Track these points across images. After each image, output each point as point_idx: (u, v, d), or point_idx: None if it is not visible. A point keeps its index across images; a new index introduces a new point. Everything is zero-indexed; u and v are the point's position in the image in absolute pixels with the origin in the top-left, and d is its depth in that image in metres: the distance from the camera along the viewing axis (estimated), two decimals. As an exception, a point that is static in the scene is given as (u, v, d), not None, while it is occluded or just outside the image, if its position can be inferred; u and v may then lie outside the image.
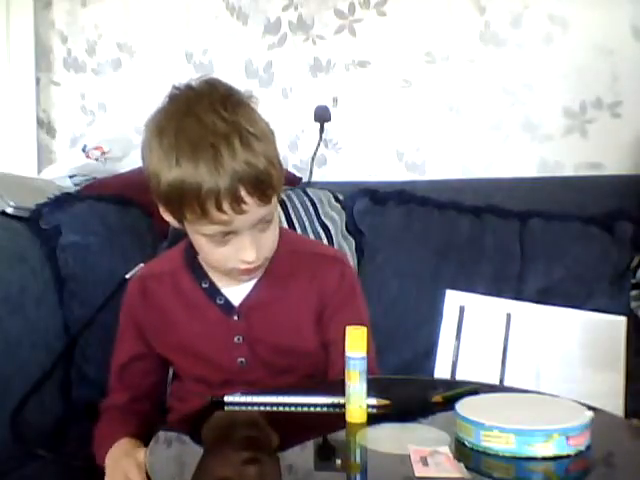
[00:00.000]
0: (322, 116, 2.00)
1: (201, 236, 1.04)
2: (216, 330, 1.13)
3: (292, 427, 0.94)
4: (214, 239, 1.03)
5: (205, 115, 0.99)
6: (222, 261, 1.06)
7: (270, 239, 1.07)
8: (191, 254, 1.16)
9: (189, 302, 1.15)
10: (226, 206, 0.97)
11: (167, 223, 1.53)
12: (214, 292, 1.14)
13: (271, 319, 1.13)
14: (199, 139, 0.98)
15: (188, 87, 1.04)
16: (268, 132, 1.04)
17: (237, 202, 0.97)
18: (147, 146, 1.04)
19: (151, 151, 1.03)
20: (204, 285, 1.14)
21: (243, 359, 1.13)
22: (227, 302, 1.13)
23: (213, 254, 1.06)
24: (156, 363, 1.20)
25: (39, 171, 2.16)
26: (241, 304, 1.13)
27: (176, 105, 1.03)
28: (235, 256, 1.04)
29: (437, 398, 0.96)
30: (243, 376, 1.13)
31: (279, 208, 1.60)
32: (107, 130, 2.17)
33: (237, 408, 0.97)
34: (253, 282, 1.14)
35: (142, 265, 1.25)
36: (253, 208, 0.99)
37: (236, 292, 1.14)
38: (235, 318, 1.13)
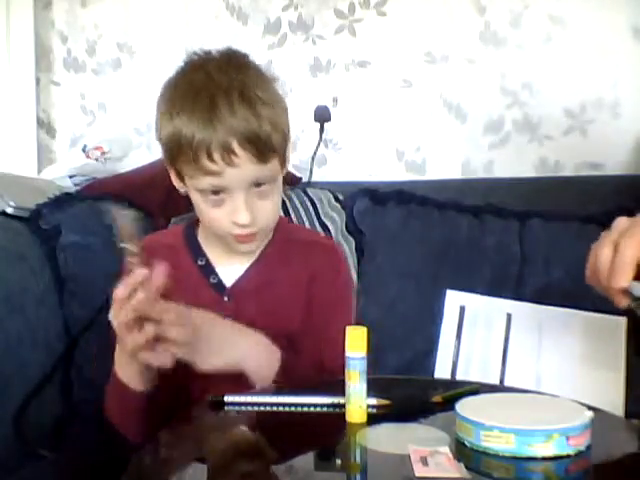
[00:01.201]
0: (322, 116, 2.00)
1: (197, 193, 1.05)
2: (207, 309, 1.12)
3: (292, 427, 0.94)
4: (209, 198, 1.04)
5: (214, 72, 1.04)
6: (217, 223, 1.07)
7: (268, 209, 1.08)
8: (191, 231, 1.18)
9: (183, 279, 1.13)
10: (217, 156, 1.00)
11: (167, 223, 1.54)
12: (209, 270, 1.14)
13: (260, 303, 1.13)
14: (201, 91, 1.02)
15: (207, 51, 1.09)
16: (279, 102, 1.07)
17: (228, 153, 1.00)
18: (158, 99, 1.08)
19: (159, 102, 1.07)
20: (200, 262, 1.15)
21: None
22: (220, 282, 1.14)
23: (209, 215, 1.07)
24: None
25: (39, 171, 2.16)
26: (232, 286, 1.14)
27: (191, 64, 1.08)
28: (229, 218, 1.05)
29: (437, 398, 0.96)
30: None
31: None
32: (107, 130, 2.17)
33: (237, 408, 0.97)
34: (247, 265, 1.15)
35: None
36: (246, 164, 1.01)
37: (230, 273, 1.14)
38: (225, 299, 1.13)
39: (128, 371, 1.03)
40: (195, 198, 1.07)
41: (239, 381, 1.05)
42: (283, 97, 1.10)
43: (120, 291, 0.92)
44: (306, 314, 1.16)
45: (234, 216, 1.05)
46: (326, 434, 0.92)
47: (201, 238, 1.18)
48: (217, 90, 1.01)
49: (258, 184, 1.05)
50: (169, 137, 1.04)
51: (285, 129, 1.06)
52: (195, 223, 1.20)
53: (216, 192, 1.04)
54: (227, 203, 1.05)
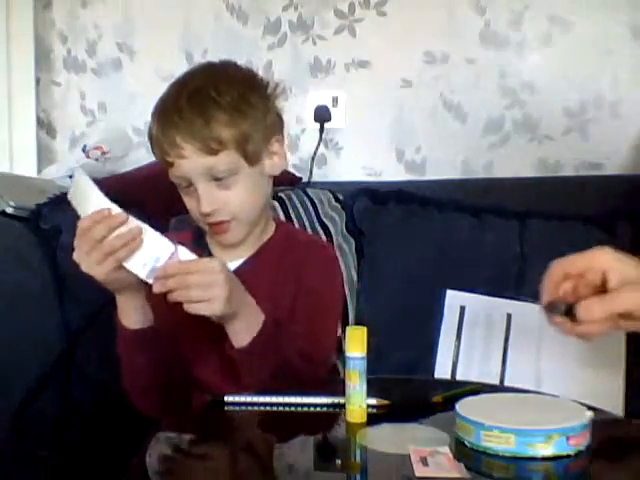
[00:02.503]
0: (322, 116, 2.00)
1: (177, 185, 1.16)
2: None
3: (292, 427, 0.94)
4: (183, 189, 1.15)
5: (190, 78, 1.17)
6: (192, 214, 1.17)
7: (232, 199, 1.14)
8: (199, 229, 1.23)
9: None
10: (167, 147, 1.11)
11: (167, 223, 1.54)
12: None
13: (253, 292, 1.13)
14: (170, 92, 1.16)
15: (206, 62, 1.23)
16: (246, 107, 1.14)
17: (174, 147, 1.11)
18: None
19: None
20: (204, 256, 1.17)
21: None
22: None
23: (187, 205, 1.17)
24: None
25: (39, 171, 2.15)
26: None
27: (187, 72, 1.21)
28: (197, 209, 1.14)
29: (437, 398, 0.96)
30: (219, 348, 1.13)
31: (278, 207, 1.60)
32: (107, 130, 2.17)
33: (237, 408, 0.97)
34: (243, 259, 1.20)
35: None
36: (192, 155, 1.10)
37: (230, 265, 1.16)
38: None
39: (121, 309, 1.09)
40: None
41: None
42: (263, 102, 1.16)
43: (85, 222, 1.01)
44: (294, 306, 1.18)
45: (199, 206, 1.13)
46: (326, 434, 0.92)
47: (210, 239, 1.24)
48: (178, 91, 1.14)
49: (217, 177, 1.12)
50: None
51: (248, 130, 1.12)
52: None
53: (184, 184, 1.14)
54: (194, 194, 1.14)
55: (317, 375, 1.13)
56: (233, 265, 1.19)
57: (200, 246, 1.22)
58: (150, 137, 1.16)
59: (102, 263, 1.00)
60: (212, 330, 1.10)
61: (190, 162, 1.11)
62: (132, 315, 1.09)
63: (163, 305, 1.12)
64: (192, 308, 1.01)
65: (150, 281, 1.01)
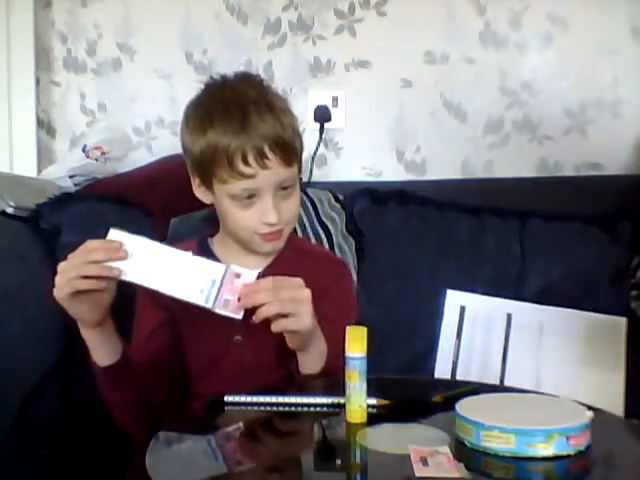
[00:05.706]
0: (322, 116, 2.00)
1: (228, 199, 1.13)
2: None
3: (292, 427, 0.94)
4: (240, 201, 1.13)
5: (239, 86, 1.16)
6: (245, 225, 1.15)
7: (291, 207, 1.17)
8: (205, 243, 1.24)
9: None
10: (251, 160, 1.09)
11: (167, 223, 1.54)
12: None
13: None
14: (231, 102, 1.13)
15: (223, 74, 1.20)
16: (293, 113, 1.18)
17: (261, 157, 1.09)
18: (184, 121, 1.18)
19: (187, 122, 1.17)
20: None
21: (239, 337, 1.17)
22: None
23: (237, 217, 1.14)
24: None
25: (39, 171, 2.15)
26: None
27: (214, 84, 1.19)
28: (258, 219, 1.13)
29: (437, 398, 0.96)
30: (237, 356, 1.16)
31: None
32: (107, 130, 2.17)
33: (237, 408, 0.97)
34: (260, 271, 1.16)
35: None
36: (276, 166, 1.11)
37: None
38: None
39: (88, 342, 1.09)
40: (224, 204, 1.15)
41: (239, 382, 1.06)
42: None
43: (93, 244, 1.00)
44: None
45: (264, 217, 1.13)
46: (326, 434, 0.92)
47: (216, 249, 1.24)
48: (246, 101, 1.12)
49: (283, 187, 1.14)
50: (203, 150, 1.12)
51: (301, 136, 1.18)
52: (210, 235, 1.26)
53: (245, 195, 1.12)
54: (256, 205, 1.13)
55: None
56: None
57: (207, 257, 1.19)
58: (213, 150, 1.11)
59: (69, 284, 0.99)
60: (217, 346, 1.13)
61: (272, 173, 1.11)
62: (99, 348, 1.08)
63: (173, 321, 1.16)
64: (280, 325, 1.00)
65: (209, 306, 0.99)
